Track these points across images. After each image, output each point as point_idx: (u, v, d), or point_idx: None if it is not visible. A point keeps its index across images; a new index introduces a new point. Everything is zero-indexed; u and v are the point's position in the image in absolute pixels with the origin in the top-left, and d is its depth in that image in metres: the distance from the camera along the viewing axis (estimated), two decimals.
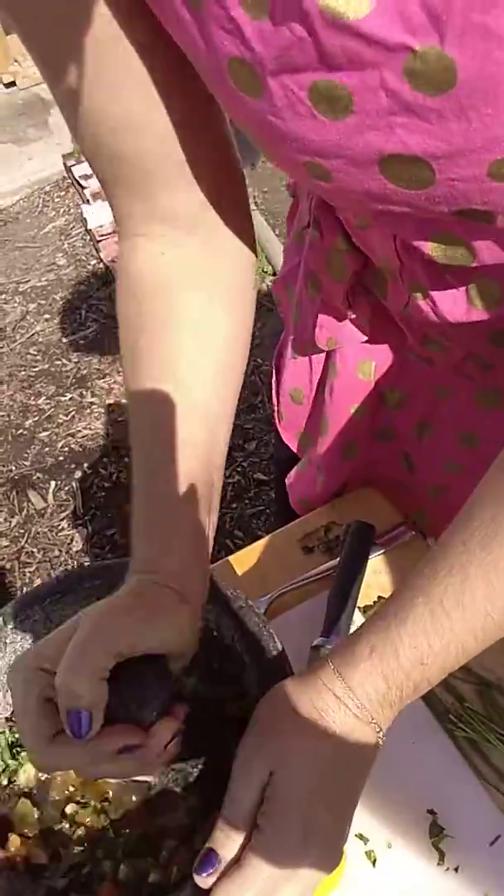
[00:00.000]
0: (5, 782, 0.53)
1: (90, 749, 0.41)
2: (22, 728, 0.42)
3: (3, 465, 2.04)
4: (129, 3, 0.39)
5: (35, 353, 2.33)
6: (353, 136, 0.35)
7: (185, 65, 0.41)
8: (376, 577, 0.68)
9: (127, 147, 0.45)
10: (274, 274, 2.36)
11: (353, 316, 0.62)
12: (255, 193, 2.71)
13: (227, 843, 0.39)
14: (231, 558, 0.71)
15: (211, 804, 0.43)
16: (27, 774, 0.54)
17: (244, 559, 0.72)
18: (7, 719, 0.55)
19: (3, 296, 2.55)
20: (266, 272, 2.38)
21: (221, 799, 0.41)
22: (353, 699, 0.41)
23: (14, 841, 0.50)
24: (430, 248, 0.45)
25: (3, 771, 0.54)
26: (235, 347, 0.52)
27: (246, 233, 0.52)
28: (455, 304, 0.51)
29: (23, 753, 0.54)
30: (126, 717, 0.42)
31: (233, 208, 0.50)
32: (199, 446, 0.48)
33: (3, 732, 0.54)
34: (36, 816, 0.52)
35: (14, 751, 0.54)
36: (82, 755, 0.41)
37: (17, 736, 0.55)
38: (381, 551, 0.68)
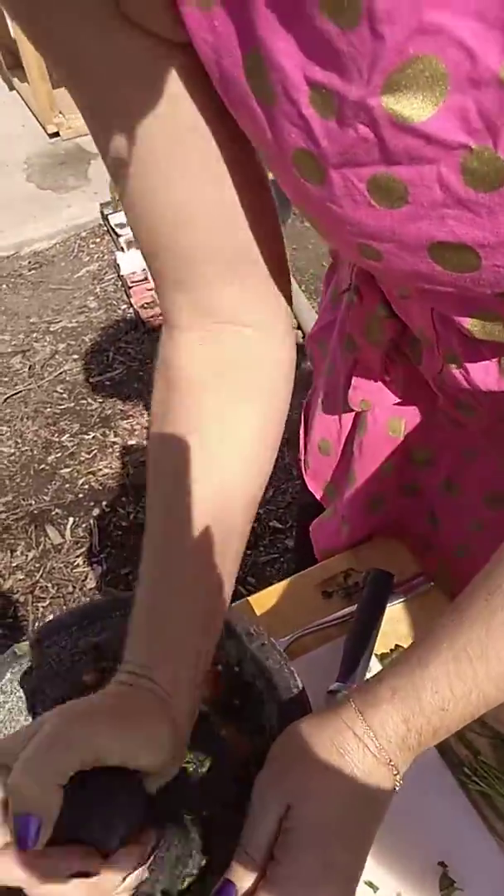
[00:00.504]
0: None
1: (41, 866, 0.37)
2: None
3: (24, 499, 2.07)
4: (198, 98, 0.40)
5: (62, 391, 2.39)
6: (405, 224, 0.37)
7: (242, 160, 0.42)
8: (393, 626, 0.68)
9: (176, 238, 0.45)
10: (299, 327, 2.41)
11: (388, 379, 0.64)
12: None
13: (244, 874, 0.40)
14: (251, 598, 0.73)
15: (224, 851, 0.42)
16: None
17: (263, 600, 0.73)
18: None
19: (35, 334, 2.62)
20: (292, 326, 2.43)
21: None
22: (373, 740, 0.42)
23: None
24: (469, 324, 0.47)
25: None
26: (263, 444, 0.51)
27: (287, 326, 0.52)
28: (487, 375, 0.53)
29: None
30: (87, 836, 0.39)
31: (277, 302, 0.50)
32: (209, 559, 0.47)
33: None
34: None
35: None
36: (31, 870, 0.37)
37: None
38: (400, 600, 0.70)
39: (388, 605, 0.68)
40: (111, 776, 0.39)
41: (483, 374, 0.52)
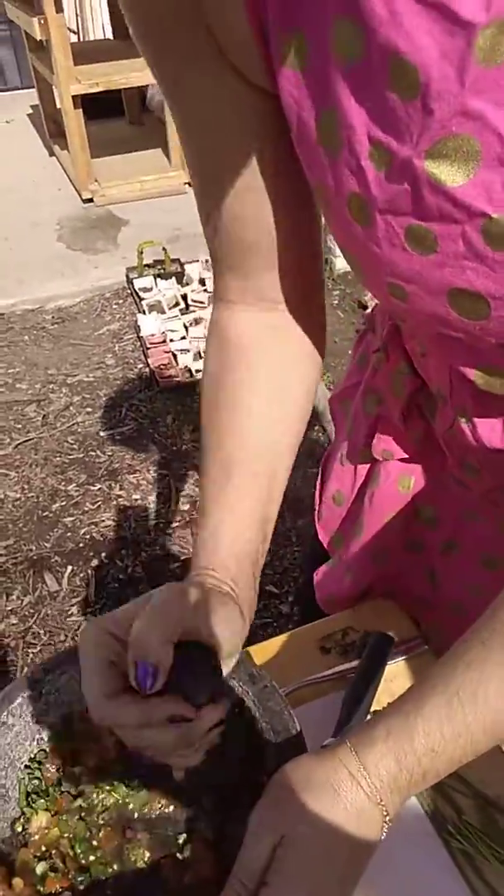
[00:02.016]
0: (19, 829, 0.56)
1: (144, 709, 0.45)
2: (86, 682, 0.46)
3: (25, 544, 2.09)
4: (276, 136, 0.48)
5: (72, 441, 2.44)
6: (431, 270, 0.43)
7: (299, 189, 0.51)
8: (387, 685, 0.71)
9: (242, 235, 0.54)
10: None
11: (406, 431, 0.70)
12: None
13: None
14: (250, 649, 0.75)
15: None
16: (38, 822, 0.56)
17: (263, 651, 0.75)
18: (27, 766, 0.58)
19: (52, 385, 2.70)
20: None
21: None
22: (366, 778, 0.45)
23: (18, 883, 0.53)
24: (474, 375, 0.53)
25: (19, 818, 0.56)
26: (303, 402, 0.60)
27: (319, 310, 0.61)
28: (493, 432, 0.58)
29: (38, 801, 0.57)
30: (180, 690, 0.46)
31: (313, 292, 0.60)
32: (263, 477, 0.56)
33: (23, 779, 0.58)
34: (37, 868, 0.55)
35: (30, 799, 0.57)
36: (135, 712, 0.45)
37: (35, 783, 0.58)
38: (396, 660, 0.72)
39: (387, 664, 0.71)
40: (196, 649, 0.47)
41: (489, 431, 0.58)
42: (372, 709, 0.68)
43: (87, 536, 2.11)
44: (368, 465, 0.77)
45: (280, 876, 0.42)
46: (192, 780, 0.51)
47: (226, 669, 0.49)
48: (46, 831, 0.56)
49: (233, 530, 0.53)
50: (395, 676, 0.72)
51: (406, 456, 0.72)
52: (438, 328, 0.47)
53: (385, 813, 0.45)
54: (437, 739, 0.44)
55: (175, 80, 0.49)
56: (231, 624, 0.49)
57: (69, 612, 1.91)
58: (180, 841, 0.56)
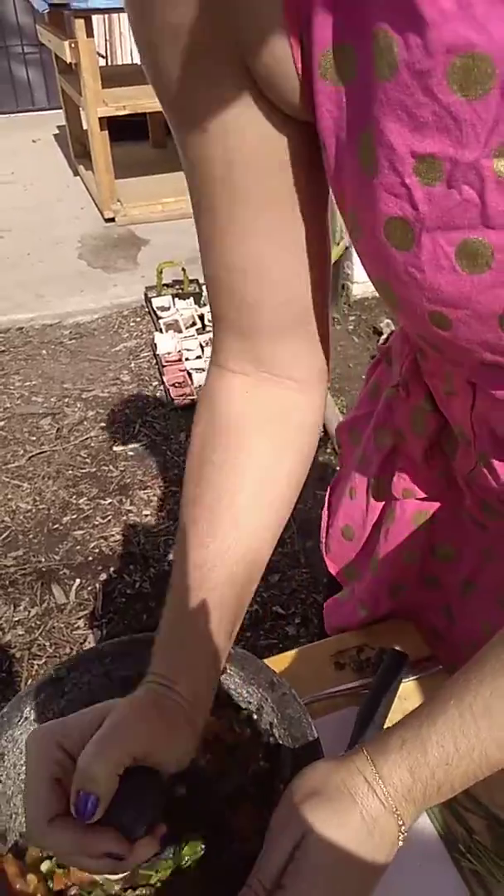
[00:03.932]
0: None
1: (79, 840, 0.44)
2: (28, 801, 0.46)
3: (34, 556, 2.10)
4: (295, 170, 0.46)
5: (85, 455, 2.46)
6: (484, 291, 0.40)
7: (315, 231, 0.49)
8: (401, 703, 0.71)
9: (246, 289, 0.50)
10: None
11: (428, 469, 0.68)
12: None
13: None
14: (266, 660, 0.76)
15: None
16: None
17: (277, 664, 0.76)
18: None
19: (67, 399, 2.73)
20: None
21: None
22: (381, 786, 0.45)
23: (32, 880, 0.53)
24: None
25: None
26: (293, 487, 0.57)
27: (323, 379, 0.58)
28: None
29: None
30: (119, 821, 0.45)
31: (320, 362, 0.56)
32: (237, 580, 0.53)
33: None
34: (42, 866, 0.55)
35: None
36: (72, 843, 0.44)
37: None
38: (410, 679, 0.73)
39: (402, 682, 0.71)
40: (141, 776, 0.46)
41: None
42: (385, 726, 0.68)
43: (97, 550, 2.12)
44: (381, 502, 0.76)
45: (297, 878, 0.43)
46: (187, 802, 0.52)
47: (169, 784, 0.50)
48: None
49: (199, 644, 0.51)
50: (409, 695, 0.72)
51: (424, 495, 0.71)
52: (486, 356, 0.45)
53: (400, 822, 0.45)
54: (451, 752, 0.44)
55: (188, 110, 0.45)
56: (181, 748, 0.48)
57: (76, 626, 1.91)
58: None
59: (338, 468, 0.87)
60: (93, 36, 3.54)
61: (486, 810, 0.62)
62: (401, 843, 0.46)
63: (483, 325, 0.42)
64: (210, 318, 3.04)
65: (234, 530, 0.53)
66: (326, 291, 0.53)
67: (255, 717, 0.58)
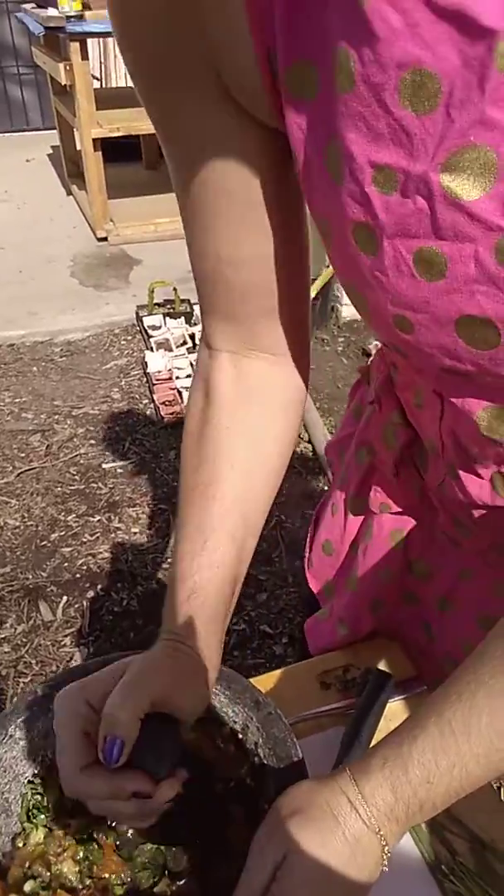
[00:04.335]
0: (20, 844, 0.56)
1: (111, 784, 0.48)
2: (60, 755, 0.49)
3: (22, 573, 2.09)
4: (273, 171, 0.48)
5: (74, 472, 2.46)
6: (440, 297, 0.42)
7: (294, 225, 0.52)
8: (386, 724, 0.72)
9: (232, 277, 0.54)
10: (309, 441, 2.52)
11: (399, 483, 0.69)
12: None
13: None
14: (252, 680, 0.76)
15: None
16: (37, 838, 0.57)
17: (263, 684, 0.76)
18: (30, 781, 0.58)
19: (57, 416, 2.73)
20: (302, 438, 2.54)
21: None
22: (364, 806, 0.45)
23: None
24: (477, 416, 0.52)
25: (20, 833, 0.56)
26: (283, 453, 0.61)
27: (305, 354, 0.62)
28: (481, 490, 0.58)
29: (39, 816, 0.57)
30: (143, 765, 0.49)
31: (302, 336, 0.60)
32: (234, 541, 0.56)
33: (26, 794, 0.58)
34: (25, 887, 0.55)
35: (30, 814, 0.57)
36: (104, 787, 0.48)
37: (37, 798, 0.58)
38: (395, 699, 0.73)
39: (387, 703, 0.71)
40: (161, 722, 0.49)
41: (478, 489, 0.58)
42: (370, 746, 0.69)
43: (84, 567, 2.11)
44: (359, 518, 0.77)
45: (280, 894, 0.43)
46: (176, 818, 0.52)
47: (186, 730, 0.53)
48: (40, 847, 0.56)
49: (206, 599, 0.55)
50: (395, 715, 0.73)
51: (399, 510, 0.73)
52: (445, 361, 0.46)
53: (384, 843, 0.46)
54: (433, 770, 0.44)
55: (171, 113, 0.48)
56: (197, 695, 0.52)
57: (62, 643, 1.90)
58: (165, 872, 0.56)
59: (326, 488, 0.88)
60: (87, 58, 3.59)
61: (469, 832, 0.62)
62: (385, 864, 0.47)
63: (441, 330, 0.44)
64: (200, 339, 3.06)
65: (233, 491, 0.57)
66: (306, 279, 0.58)
67: (239, 735, 0.58)
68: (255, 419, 0.59)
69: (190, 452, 0.59)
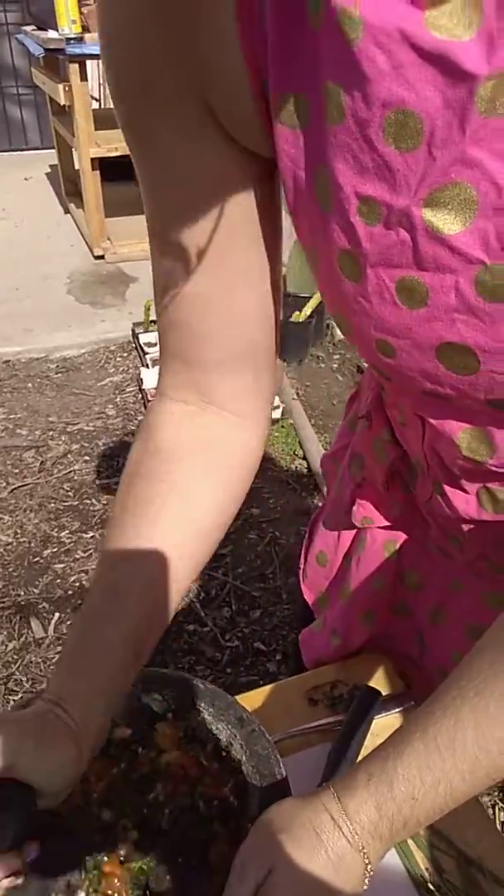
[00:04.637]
0: None
1: None
2: None
3: (13, 589, 2.08)
4: (249, 206, 0.48)
5: (68, 489, 2.46)
6: (421, 324, 0.43)
7: (268, 270, 0.50)
8: (373, 740, 0.71)
9: (194, 321, 0.52)
10: (304, 458, 2.52)
11: (388, 496, 0.70)
12: (298, 386, 2.96)
13: None
14: (238, 697, 0.76)
15: None
16: None
17: (250, 700, 0.76)
18: None
19: (52, 433, 2.73)
20: (297, 454, 2.55)
21: None
22: (347, 824, 0.45)
23: None
24: (458, 437, 0.52)
25: None
26: (217, 520, 0.56)
27: (264, 419, 0.58)
28: (468, 505, 0.58)
29: None
30: None
31: (262, 396, 0.57)
32: (147, 606, 0.52)
33: None
34: None
35: None
36: None
37: None
38: (383, 715, 0.73)
39: (375, 718, 0.71)
40: (9, 786, 0.44)
41: (464, 504, 0.58)
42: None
43: (77, 584, 2.10)
44: (353, 530, 0.77)
45: None
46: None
47: (51, 804, 0.47)
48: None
49: (97, 665, 0.49)
50: (382, 731, 0.72)
51: (387, 524, 0.73)
52: (426, 385, 0.47)
53: (367, 861, 0.45)
54: (417, 786, 0.44)
55: (149, 138, 0.47)
56: (54, 765, 0.45)
57: (53, 660, 1.88)
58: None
59: (320, 504, 0.88)
60: (86, 80, 3.63)
61: (456, 849, 0.62)
62: (367, 882, 0.46)
63: (422, 355, 0.45)
64: None
65: (151, 554, 0.52)
66: (274, 328, 0.54)
67: (223, 752, 0.58)
68: (193, 475, 0.55)
69: (120, 500, 0.54)
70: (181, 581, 0.54)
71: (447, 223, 0.39)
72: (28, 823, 0.45)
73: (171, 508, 0.53)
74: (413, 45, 0.34)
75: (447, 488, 0.58)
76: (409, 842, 0.62)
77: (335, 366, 3.15)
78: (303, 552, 0.86)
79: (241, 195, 0.48)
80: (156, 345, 3.00)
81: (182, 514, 0.54)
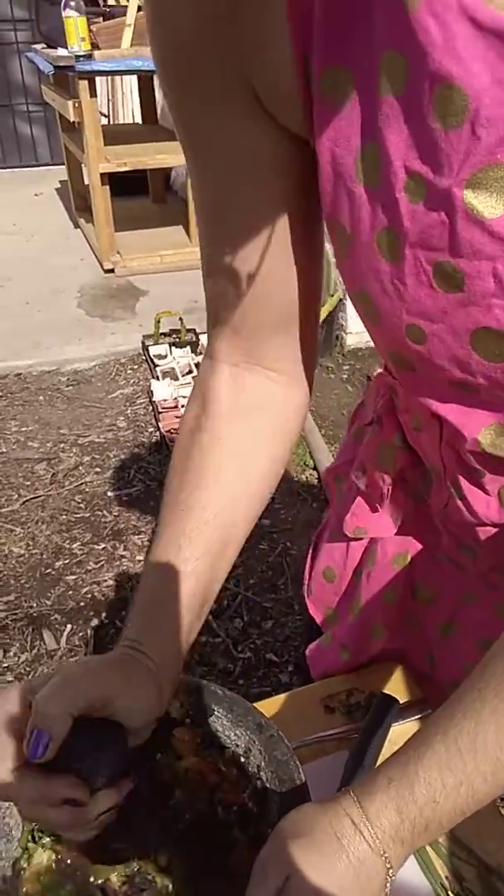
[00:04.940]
0: (24, 865, 0.55)
1: (40, 786, 0.46)
2: None
3: (26, 601, 2.09)
4: (294, 180, 0.49)
5: (79, 500, 2.46)
6: (457, 308, 0.42)
7: (311, 237, 0.52)
8: (390, 748, 0.71)
9: (242, 289, 0.54)
10: (315, 468, 2.52)
11: (389, 505, 0.69)
12: None
13: None
14: (256, 704, 0.76)
15: None
16: (39, 859, 0.56)
17: (266, 708, 0.76)
18: None
19: (63, 445, 2.74)
20: (307, 465, 2.55)
21: None
22: (368, 828, 0.45)
23: None
24: (480, 434, 0.51)
25: (21, 856, 0.56)
26: (273, 473, 0.60)
27: (309, 375, 0.61)
28: (488, 508, 0.58)
29: (43, 840, 0.56)
30: (78, 772, 0.46)
31: (307, 354, 0.60)
32: (209, 555, 0.55)
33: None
34: None
35: (34, 835, 0.57)
36: (31, 789, 0.46)
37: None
38: (400, 723, 0.73)
39: (392, 726, 0.71)
40: (103, 727, 0.47)
41: (484, 507, 0.58)
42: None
43: (89, 596, 2.10)
44: (360, 542, 0.77)
45: None
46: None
47: (136, 742, 0.50)
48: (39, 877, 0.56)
49: (171, 608, 0.53)
50: (400, 739, 0.72)
51: (383, 535, 0.72)
52: (456, 374, 0.46)
53: (388, 865, 0.45)
54: (439, 789, 0.44)
55: (195, 118, 0.48)
56: (141, 702, 0.49)
57: None
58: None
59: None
60: (96, 96, 3.67)
61: (477, 858, 0.61)
62: (388, 887, 0.46)
63: (455, 341, 0.44)
64: None
65: (216, 504, 0.56)
66: (317, 294, 0.57)
67: (241, 758, 0.58)
68: (248, 435, 0.58)
69: (179, 457, 0.58)
70: (236, 543, 0.58)
71: (488, 206, 0.38)
72: (121, 759, 0.47)
73: (227, 471, 0.56)
74: (470, 18, 0.34)
75: (467, 490, 0.58)
76: (429, 850, 0.62)
77: (345, 376, 3.16)
78: (307, 568, 0.85)
79: (282, 175, 0.49)
80: (165, 356, 3.02)
81: (238, 476, 0.57)
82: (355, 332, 3.18)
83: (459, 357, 0.45)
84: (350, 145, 0.42)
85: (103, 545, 2.27)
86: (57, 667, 0.50)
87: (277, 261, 0.52)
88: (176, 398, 2.85)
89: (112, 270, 4.10)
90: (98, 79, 3.70)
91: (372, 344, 0.53)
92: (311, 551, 0.86)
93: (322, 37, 0.40)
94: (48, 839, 0.56)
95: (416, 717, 0.74)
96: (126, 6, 3.66)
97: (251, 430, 0.58)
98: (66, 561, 2.22)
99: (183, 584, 0.54)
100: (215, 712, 0.59)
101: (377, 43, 0.38)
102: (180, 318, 3.15)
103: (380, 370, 0.68)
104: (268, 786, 0.55)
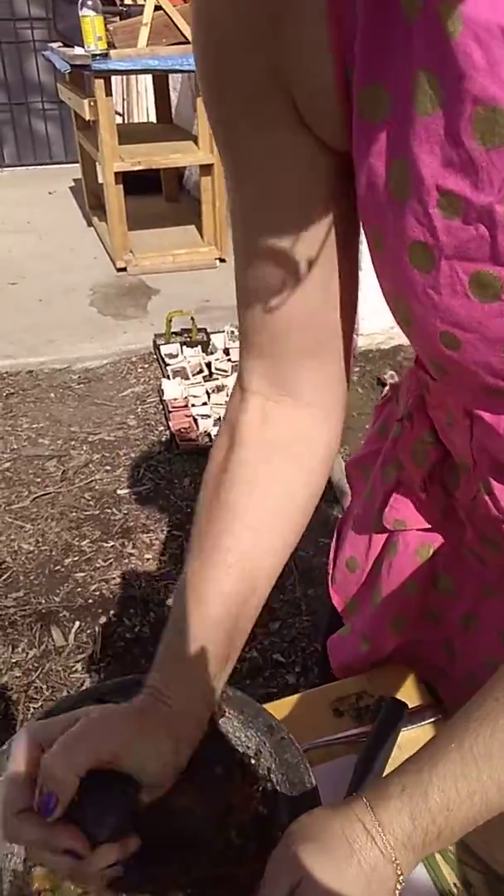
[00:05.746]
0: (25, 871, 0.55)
1: (43, 834, 0.46)
2: (1, 793, 0.48)
3: (34, 597, 2.09)
4: (329, 196, 0.49)
5: (89, 498, 2.47)
6: (492, 318, 0.43)
7: (346, 255, 0.51)
8: (400, 753, 0.71)
9: (272, 313, 0.53)
10: None
11: (425, 499, 0.70)
12: None
13: None
14: (265, 706, 0.76)
15: None
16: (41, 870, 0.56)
17: (275, 710, 0.75)
18: None
19: (73, 442, 2.75)
20: None
21: None
22: (380, 834, 0.45)
23: None
24: None
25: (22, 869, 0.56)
26: (301, 514, 0.59)
27: (340, 408, 0.60)
28: None
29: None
30: (82, 824, 0.46)
31: (340, 387, 0.58)
32: (237, 596, 0.54)
33: None
34: None
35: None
36: (35, 835, 0.46)
37: None
38: (409, 728, 0.72)
39: (402, 731, 0.71)
40: (113, 780, 0.46)
41: None
42: (384, 774, 0.68)
43: (97, 593, 2.11)
44: (384, 534, 0.77)
45: None
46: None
47: (151, 797, 0.49)
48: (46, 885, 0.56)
49: (195, 655, 0.52)
50: (409, 744, 0.72)
51: (422, 527, 0.72)
52: (488, 380, 0.47)
53: (399, 872, 0.45)
54: (453, 797, 0.44)
55: (231, 126, 0.48)
56: (154, 755, 0.48)
57: (73, 669, 1.89)
58: None
59: (340, 516, 0.88)
60: (111, 95, 3.69)
61: (485, 865, 0.61)
62: (397, 894, 0.46)
63: (489, 349, 0.45)
64: (216, 367, 3.07)
65: (239, 548, 0.55)
66: (352, 321, 0.56)
67: (252, 760, 0.58)
68: (276, 476, 0.57)
69: (206, 498, 0.57)
70: (265, 579, 0.57)
71: None
72: (129, 815, 0.47)
73: (257, 509, 0.55)
74: None
75: (496, 486, 0.58)
76: (437, 856, 0.62)
77: (355, 378, 3.15)
78: (331, 557, 0.86)
79: (319, 192, 0.49)
80: (176, 356, 3.03)
81: (268, 513, 0.56)
82: (366, 335, 3.17)
83: (492, 364, 0.46)
84: (383, 160, 0.43)
85: (112, 543, 2.28)
86: (85, 709, 0.50)
87: (314, 284, 0.51)
88: (186, 397, 2.86)
89: (124, 269, 4.11)
90: (114, 78, 3.71)
91: (382, 347, 0.53)
92: (334, 541, 0.87)
93: (363, 53, 0.41)
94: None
95: (426, 722, 0.74)
96: (143, 6, 3.67)
97: (279, 471, 0.57)
98: (75, 558, 2.23)
99: (209, 636, 0.53)
100: (226, 713, 0.60)
101: (413, 65, 0.39)
102: (192, 318, 3.16)
103: (392, 373, 0.68)
104: (278, 789, 0.55)
